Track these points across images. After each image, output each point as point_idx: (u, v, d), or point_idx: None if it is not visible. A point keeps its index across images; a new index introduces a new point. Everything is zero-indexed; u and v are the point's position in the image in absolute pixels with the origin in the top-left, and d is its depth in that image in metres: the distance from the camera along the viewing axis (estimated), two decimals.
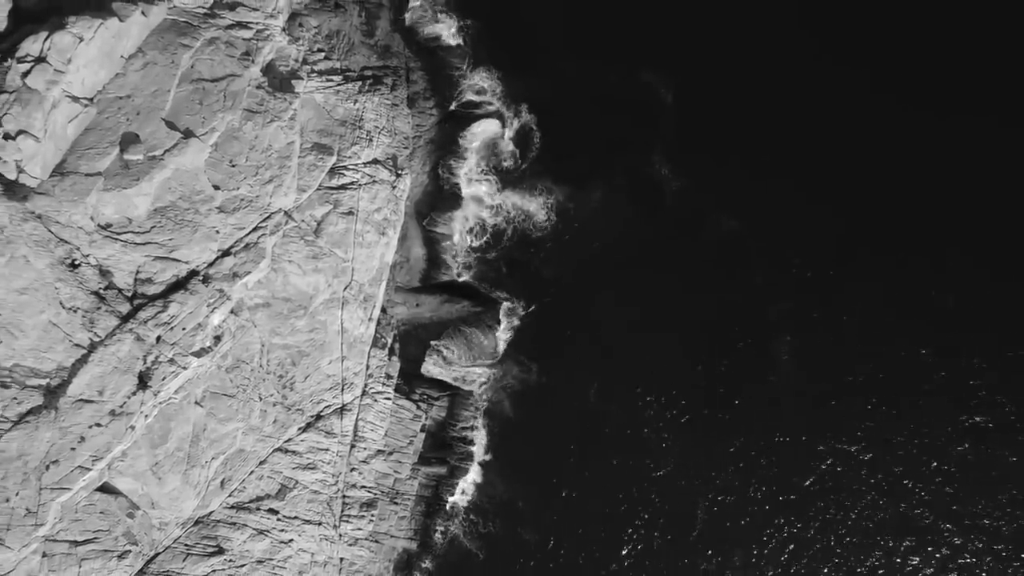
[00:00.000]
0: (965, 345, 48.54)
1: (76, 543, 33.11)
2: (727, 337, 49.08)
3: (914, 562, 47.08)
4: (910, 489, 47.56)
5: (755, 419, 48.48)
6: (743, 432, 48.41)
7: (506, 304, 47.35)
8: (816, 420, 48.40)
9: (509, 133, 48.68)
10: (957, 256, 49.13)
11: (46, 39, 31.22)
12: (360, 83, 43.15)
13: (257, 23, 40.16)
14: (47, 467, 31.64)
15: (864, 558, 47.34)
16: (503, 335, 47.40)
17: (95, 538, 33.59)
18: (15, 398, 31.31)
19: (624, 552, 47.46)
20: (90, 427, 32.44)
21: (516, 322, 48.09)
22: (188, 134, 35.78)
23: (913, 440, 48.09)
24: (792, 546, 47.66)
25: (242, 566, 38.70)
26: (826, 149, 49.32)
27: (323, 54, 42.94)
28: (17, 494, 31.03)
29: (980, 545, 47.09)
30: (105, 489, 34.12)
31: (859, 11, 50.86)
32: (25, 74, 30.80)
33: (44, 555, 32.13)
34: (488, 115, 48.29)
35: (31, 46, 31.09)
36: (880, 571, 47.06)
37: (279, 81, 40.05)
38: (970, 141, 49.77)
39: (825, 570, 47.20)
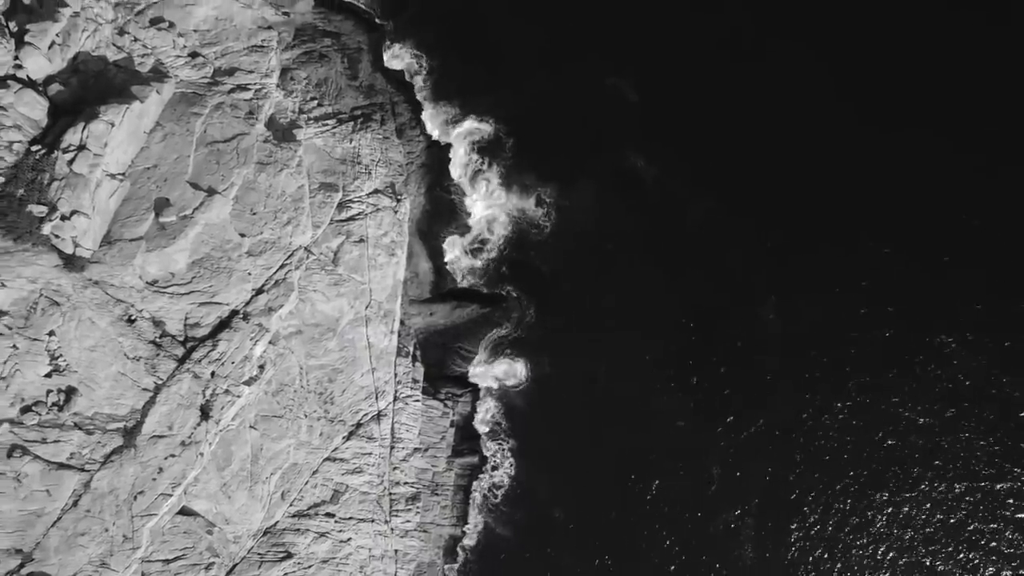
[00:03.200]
0: (938, 298, 52.13)
1: (168, 561, 37.71)
2: (717, 304, 52.48)
3: (903, 509, 50.77)
4: (898, 440, 50.89)
5: (750, 376, 51.75)
6: (742, 389, 51.77)
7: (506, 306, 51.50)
8: (805, 371, 51.83)
9: (492, 148, 52.84)
10: (930, 216, 52.73)
11: (83, 129, 35.66)
12: (352, 123, 47.60)
13: (254, 84, 44.67)
14: (135, 497, 36.18)
15: (857, 502, 50.60)
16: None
17: (183, 555, 38.20)
18: (99, 442, 35.86)
19: (648, 512, 50.48)
20: (166, 458, 36.99)
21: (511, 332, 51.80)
22: (211, 191, 40.26)
23: (896, 389, 51.41)
24: (803, 494, 50.89)
25: (309, 567, 43.16)
26: (780, 127, 53.30)
27: (316, 102, 47.43)
28: (114, 524, 35.57)
29: (966, 493, 50.40)
30: (185, 512, 38.64)
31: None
32: (70, 162, 35.28)
33: (143, 575, 36.73)
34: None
35: (72, 136, 35.58)
36: (871, 513, 50.40)
37: (282, 132, 44.54)
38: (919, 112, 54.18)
39: (819, 511, 50.82)
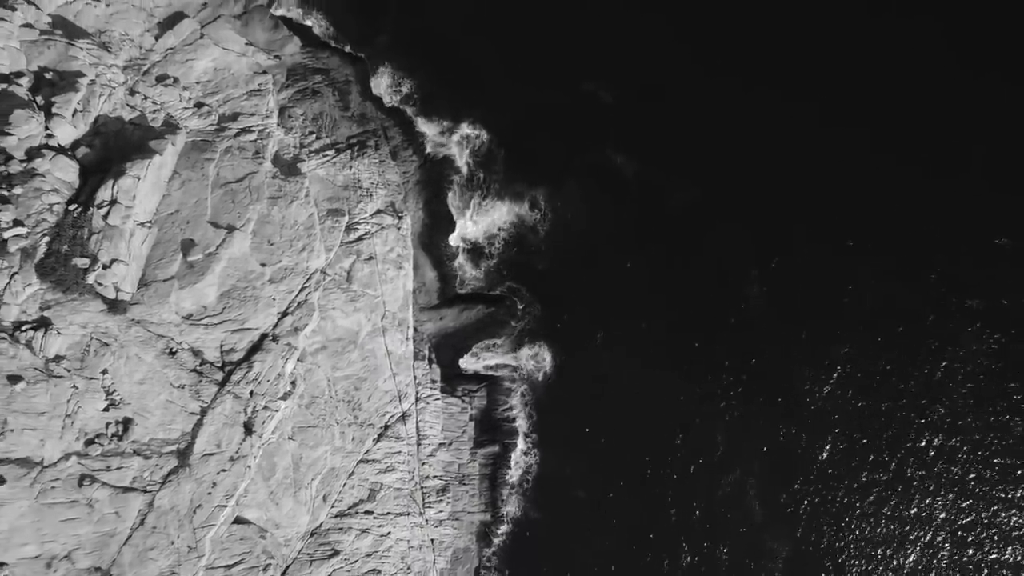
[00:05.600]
0: (915, 260, 55.26)
1: (229, 566, 41.51)
2: (706, 283, 55.22)
3: (901, 463, 53.47)
4: (889, 398, 53.66)
5: (744, 347, 54.26)
6: (738, 360, 54.09)
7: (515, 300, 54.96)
8: (793, 338, 54.37)
9: (480, 159, 56.48)
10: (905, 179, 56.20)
11: (113, 185, 39.46)
12: (350, 151, 51.40)
13: (257, 126, 48.47)
14: (194, 511, 39.99)
15: (857, 457, 53.37)
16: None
17: (242, 560, 41.98)
18: (157, 464, 39.66)
19: (661, 483, 53.11)
20: (218, 473, 40.80)
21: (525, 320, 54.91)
22: (230, 228, 44.01)
23: (882, 348, 54.18)
24: (805, 454, 53.24)
25: (355, 562, 46.90)
26: (744, 115, 56.72)
27: (314, 135, 51.25)
28: (178, 536, 39.38)
29: (963, 447, 53.04)
30: (239, 520, 42.34)
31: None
32: (105, 216, 39.04)
33: None
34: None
35: (104, 193, 39.33)
36: (871, 468, 53.08)
37: (287, 167, 48.34)
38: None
39: (821, 468, 53.34)
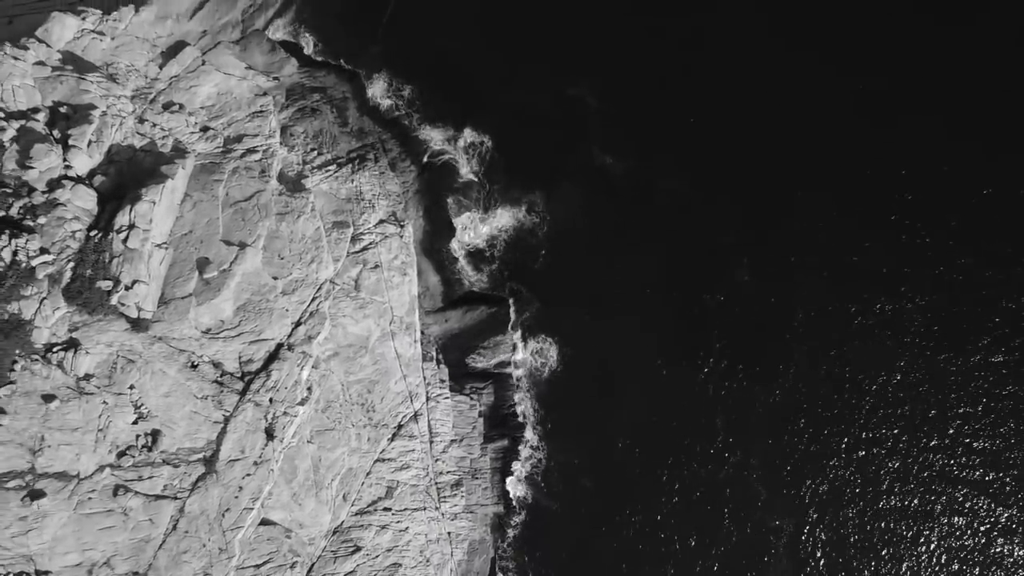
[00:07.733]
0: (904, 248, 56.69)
1: (259, 566, 43.65)
2: (698, 273, 56.67)
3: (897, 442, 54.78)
4: (882, 378, 55.03)
5: (739, 334, 55.63)
6: (733, 347, 55.47)
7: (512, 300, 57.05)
8: (785, 322, 55.83)
9: (474, 166, 58.81)
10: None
11: (130, 210, 41.67)
12: (350, 165, 53.62)
13: (261, 146, 50.62)
14: (223, 515, 42.13)
15: (855, 436, 54.67)
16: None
17: (270, 559, 44.13)
18: (185, 472, 41.83)
19: (667, 471, 54.49)
20: (243, 478, 42.94)
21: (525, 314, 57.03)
22: (242, 245, 46.16)
23: (874, 325, 55.48)
24: (804, 435, 54.54)
25: (377, 556, 49.00)
26: (729, 107, 58.76)
27: (316, 152, 53.46)
28: (209, 539, 41.52)
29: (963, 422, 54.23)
30: (265, 522, 44.48)
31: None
32: (124, 240, 41.23)
33: None
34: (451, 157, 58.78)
35: (122, 219, 41.53)
36: (869, 445, 54.50)
37: (292, 184, 50.53)
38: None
39: (821, 448, 54.51)
